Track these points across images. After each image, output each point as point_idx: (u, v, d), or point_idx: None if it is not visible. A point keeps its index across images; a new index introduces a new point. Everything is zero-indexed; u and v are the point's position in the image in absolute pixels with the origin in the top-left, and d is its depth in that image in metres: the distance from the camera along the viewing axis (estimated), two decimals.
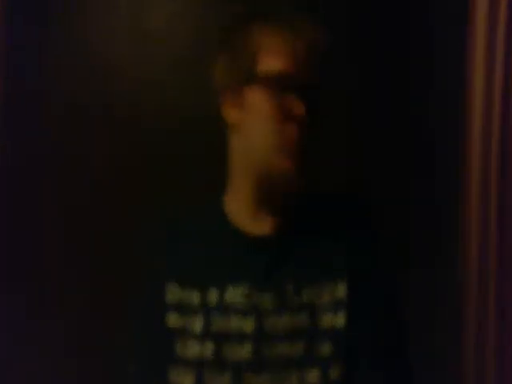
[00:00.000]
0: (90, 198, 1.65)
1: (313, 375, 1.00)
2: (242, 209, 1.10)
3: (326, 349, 1.01)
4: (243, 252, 1.07)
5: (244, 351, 1.01)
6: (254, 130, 1.06)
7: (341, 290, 1.04)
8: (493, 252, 1.43)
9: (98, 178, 1.65)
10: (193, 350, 1.02)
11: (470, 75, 1.48)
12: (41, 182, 1.65)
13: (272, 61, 1.05)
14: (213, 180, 1.14)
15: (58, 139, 1.65)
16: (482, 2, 1.45)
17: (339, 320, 1.03)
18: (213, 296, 1.04)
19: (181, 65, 1.66)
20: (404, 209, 1.64)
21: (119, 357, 1.12)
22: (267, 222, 1.08)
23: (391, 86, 1.66)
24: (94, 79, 1.65)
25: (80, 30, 1.66)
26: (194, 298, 1.05)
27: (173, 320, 1.05)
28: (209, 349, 1.02)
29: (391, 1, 1.67)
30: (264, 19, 1.10)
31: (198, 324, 1.03)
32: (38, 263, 1.64)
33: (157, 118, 1.65)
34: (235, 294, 1.04)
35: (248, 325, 1.02)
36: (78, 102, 1.65)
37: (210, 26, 1.66)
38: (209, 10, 1.67)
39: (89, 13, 1.67)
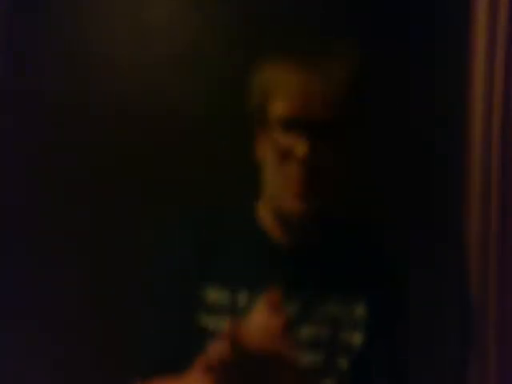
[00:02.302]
0: (92, 198, 1.65)
1: None
2: (271, 219, 1.14)
3: (342, 363, 1.05)
4: (274, 259, 1.11)
5: None
6: (267, 170, 1.11)
7: (360, 310, 1.08)
8: (493, 256, 1.43)
9: (100, 178, 1.65)
10: None
11: (471, 80, 1.48)
12: (41, 181, 1.65)
13: (281, 105, 1.06)
14: (244, 185, 1.20)
15: (58, 139, 1.65)
16: (483, 6, 1.45)
17: (355, 338, 1.07)
18: (243, 299, 1.07)
19: (181, 64, 1.66)
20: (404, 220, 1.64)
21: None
22: (295, 236, 1.12)
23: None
24: (93, 79, 1.65)
25: (80, 29, 1.66)
26: (225, 299, 1.08)
27: (205, 320, 1.07)
28: None
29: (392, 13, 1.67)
30: (278, 55, 1.10)
31: (225, 325, 1.02)
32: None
33: (157, 118, 1.65)
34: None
35: None
36: (77, 102, 1.65)
37: (210, 25, 1.66)
38: (209, 9, 1.67)
39: (89, 12, 1.66)
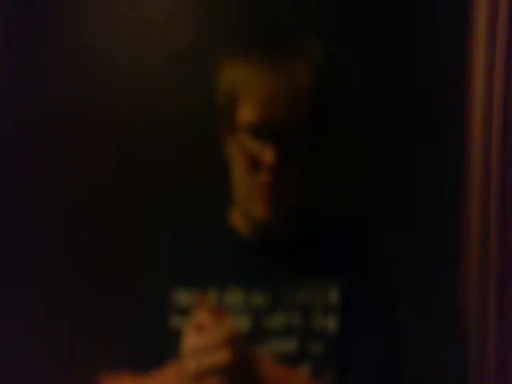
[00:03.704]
0: (90, 199, 1.65)
1: (304, 372, 1.03)
2: (240, 218, 1.15)
3: (317, 348, 1.04)
4: (241, 253, 1.12)
5: None
6: (234, 174, 1.10)
7: (333, 296, 1.08)
8: (493, 255, 1.43)
9: (100, 178, 1.65)
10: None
11: (471, 80, 1.48)
12: (42, 181, 1.65)
13: (248, 111, 1.03)
14: (215, 188, 1.23)
15: (58, 140, 1.65)
16: (483, 8, 1.44)
17: (330, 323, 1.06)
18: (211, 298, 1.05)
19: (181, 64, 1.66)
20: (403, 218, 1.64)
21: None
22: (264, 233, 1.12)
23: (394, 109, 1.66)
24: (93, 79, 1.65)
25: (79, 29, 1.66)
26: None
27: (176, 321, 1.08)
28: None
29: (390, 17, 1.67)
30: (247, 53, 1.05)
31: None
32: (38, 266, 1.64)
33: (156, 118, 1.65)
34: (233, 295, 1.07)
35: (245, 323, 1.06)
36: (77, 102, 1.65)
37: (210, 25, 1.66)
38: (209, 8, 1.67)
39: (89, 13, 1.66)
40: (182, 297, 1.09)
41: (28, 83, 1.66)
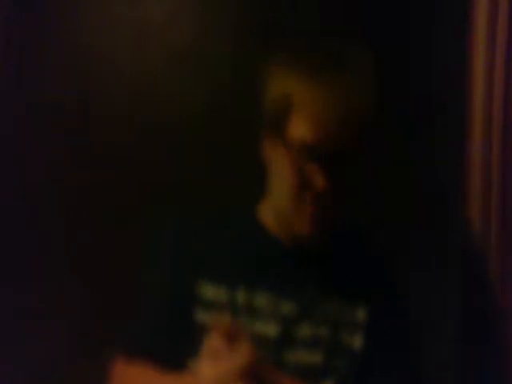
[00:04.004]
0: (90, 199, 1.65)
1: None
2: (276, 223, 1.12)
3: (342, 364, 1.04)
4: (273, 257, 1.10)
5: (266, 354, 1.02)
6: (276, 182, 1.08)
7: (361, 314, 1.08)
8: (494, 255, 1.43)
9: (100, 178, 1.65)
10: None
11: (471, 80, 1.48)
12: (42, 181, 1.65)
13: (302, 128, 1.00)
14: (246, 185, 1.20)
15: (58, 140, 1.65)
16: (483, 8, 1.44)
17: (356, 341, 1.06)
18: (241, 297, 1.06)
19: (181, 64, 1.66)
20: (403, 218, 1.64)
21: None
22: (300, 243, 1.09)
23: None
24: (93, 79, 1.65)
25: (79, 29, 1.66)
26: (223, 295, 1.06)
27: (200, 315, 1.06)
28: None
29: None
30: (306, 70, 1.01)
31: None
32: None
33: (156, 118, 1.65)
34: (262, 299, 1.06)
35: (272, 330, 1.05)
36: (77, 102, 1.65)
37: (211, 25, 1.66)
38: (209, 8, 1.67)
39: (89, 13, 1.66)
40: (207, 291, 1.07)
41: (28, 83, 1.66)
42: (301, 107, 1.00)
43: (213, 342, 0.91)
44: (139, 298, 1.16)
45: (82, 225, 1.64)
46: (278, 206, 1.08)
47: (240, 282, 1.06)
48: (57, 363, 1.60)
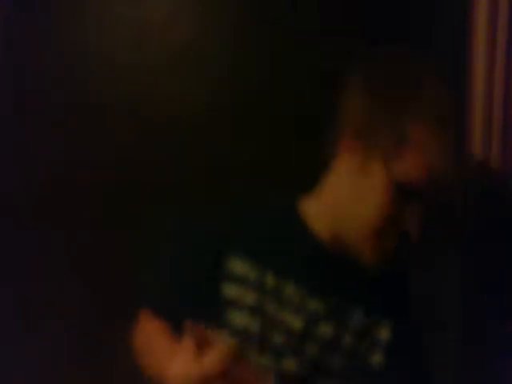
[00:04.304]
0: (90, 199, 1.65)
1: None
2: (325, 229, 1.08)
3: (357, 375, 1.04)
4: (309, 252, 1.08)
5: (287, 343, 1.03)
6: (347, 194, 1.04)
7: (384, 332, 1.07)
8: None
9: (100, 178, 1.65)
10: (241, 320, 1.04)
11: (471, 80, 1.48)
12: (41, 181, 1.65)
13: (404, 167, 0.98)
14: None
15: (58, 140, 1.65)
16: (483, 8, 1.45)
17: (376, 357, 1.06)
18: (270, 280, 1.05)
19: (181, 64, 1.66)
20: None
21: None
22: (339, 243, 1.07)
23: None
24: (93, 79, 1.65)
25: (80, 29, 1.66)
26: (252, 273, 1.05)
27: (229, 289, 1.06)
28: (255, 325, 1.04)
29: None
30: (427, 116, 0.98)
31: (250, 297, 1.05)
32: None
33: (156, 118, 1.65)
34: (290, 290, 1.05)
35: (297, 324, 1.04)
36: (77, 102, 1.65)
37: (210, 25, 1.66)
38: (209, 8, 1.67)
39: (88, 13, 1.66)
40: (237, 266, 1.06)
41: (28, 83, 1.66)
42: (416, 143, 0.98)
43: (186, 342, 0.90)
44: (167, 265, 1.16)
45: (82, 225, 1.64)
46: (339, 214, 1.06)
47: (270, 267, 1.05)
48: (57, 363, 1.60)
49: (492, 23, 1.44)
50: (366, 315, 1.05)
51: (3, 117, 1.64)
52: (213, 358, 0.86)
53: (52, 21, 1.66)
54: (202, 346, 0.87)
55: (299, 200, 1.12)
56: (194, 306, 1.06)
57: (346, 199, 1.05)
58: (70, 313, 1.61)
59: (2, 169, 1.64)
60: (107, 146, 1.64)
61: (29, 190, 1.64)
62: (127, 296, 1.58)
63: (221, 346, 0.87)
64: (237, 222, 1.10)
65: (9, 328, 1.61)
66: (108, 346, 1.57)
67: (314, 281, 1.06)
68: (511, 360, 1.38)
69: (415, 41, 1.65)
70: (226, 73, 1.64)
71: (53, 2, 1.66)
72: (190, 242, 1.13)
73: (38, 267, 1.63)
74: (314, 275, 1.06)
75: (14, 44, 1.64)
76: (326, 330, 1.04)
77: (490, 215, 1.44)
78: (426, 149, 0.96)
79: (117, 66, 1.66)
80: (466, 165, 1.48)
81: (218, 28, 1.66)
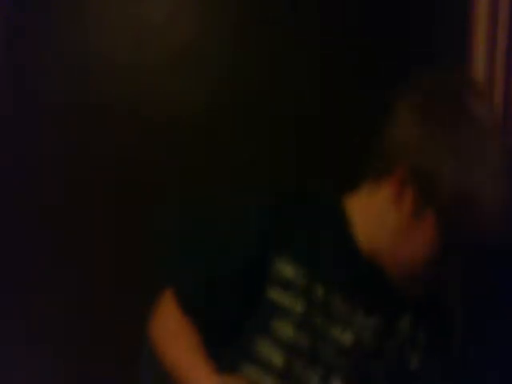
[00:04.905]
0: (90, 199, 1.65)
1: None
2: (364, 231, 1.04)
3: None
4: (356, 262, 1.03)
5: (338, 360, 0.99)
6: (397, 227, 1.00)
7: (420, 337, 1.04)
8: None
9: (100, 178, 1.65)
10: (289, 330, 0.99)
11: None
12: (42, 182, 1.65)
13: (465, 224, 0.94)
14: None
15: (57, 139, 1.65)
16: (483, 8, 1.45)
17: (413, 360, 1.03)
18: (320, 291, 1.00)
19: (181, 64, 1.66)
20: None
21: None
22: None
23: None
24: (93, 79, 1.65)
25: (80, 29, 1.66)
26: (303, 281, 1.00)
27: (275, 294, 1.00)
28: (304, 339, 0.99)
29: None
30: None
31: (299, 306, 0.99)
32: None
33: (156, 118, 1.65)
34: (339, 304, 1.01)
35: (347, 339, 1.00)
36: (77, 102, 1.65)
37: (210, 25, 1.66)
38: (209, 8, 1.67)
39: (89, 12, 1.66)
40: (284, 268, 1.00)
41: (28, 83, 1.66)
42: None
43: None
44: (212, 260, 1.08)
45: (82, 225, 1.64)
46: (380, 236, 1.02)
47: (319, 275, 1.00)
48: (57, 363, 1.60)
49: (492, 23, 1.44)
50: (407, 323, 1.03)
51: (3, 117, 1.64)
52: None
53: (52, 21, 1.66)
54: None
55: (343, 199, 1.07)
56: (231, 307, 1.00)
57: (390, 226, 1.00)
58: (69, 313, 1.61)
59: (2, 169, 1.64)
60: (107, 146, 1.64)
61: (29, 189, 1.65)
62: (130, 295, 1.59)
63: None
64: (286, 220, 1.03)
65: (8, 328, 1.61)
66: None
67: (361, 293, 1.01)
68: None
69: (415, 41, 1.66)
70: (226, 73, 1.64)
71: (53, 2, 1.66)
72: (237, 234, 1.06)
73: (37, 267, 1.63)
74: (360, 286, 1.02)
75: (14, 44, 1.64)
76: (374, 344, 1.00)
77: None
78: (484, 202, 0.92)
79: (117, 66, 1.66)
80: None
81: (218, 28, 1.66)
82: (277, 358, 0.98)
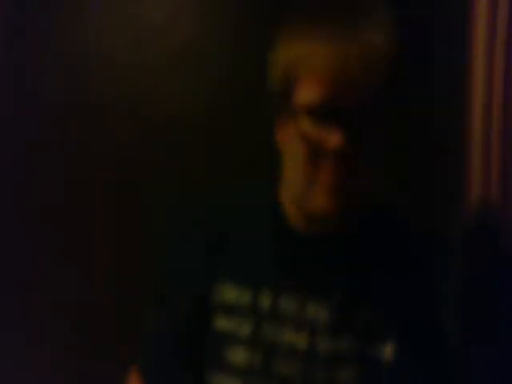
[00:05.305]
0: (90, 199, 1.65)
1: None
2: (294, 212, 0.99)
3: (374, 377, 0.93)
4: (299, 255, 0.97)
5: (294, 369, 0.93)
6: (289, 164, 0.95)
7: (392, 319, 0.95)
8: None
9: (100, 178, 1.65)
10: (240, 356, 0.94)
11: (471, 88, 1.48)
12: (42, 182, 1.65)
13: (309, 90, 0.87)
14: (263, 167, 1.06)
15: (57, 140, 1.65)
16: (483, 8, 1.44)
17: (387, 351, 0.94)
18: (266, 300, 0.95)
19: (181, 64, 1.66)
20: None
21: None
22: (323, 231, 0.96)
23: None
24: (94, 79, 1.65)
25: (79, 29, 1.66)
26: (246, 299, 0.95)
27: (221, 323, 0.96)
28: (257, 358, 0.93)
29: None
30: (307, 22, 0.89)
31: (246, 327, 0.94)
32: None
33: (156, 118, 1.65)
34: (289, 303, 0.95)
35: (301, 342, 0.94)
36: (77, 102, 1.65)
37: (212, 24, 1.66)
38: (209, 8, 1.66)
39: (89, 12, 1.66)
40: (227, 292, 0.96)
41: (28, 83, 1.66)
42: (306, 68, 0.88)
43: None
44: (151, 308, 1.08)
45: (82, 225, 1.64)
46: (295, 193, 0.95)
47: (263, 284, 0.95)
48: (57, 363, 1.60)
49: (492, 23, 1.44)
50: (372, 309, 0.93)
51: (3, 117, 1.64)
52: None
53: (52, 21, 1.66)
54: None
55: (277, 193, 1.02)
56: (183, 360, 0.97)
57: (289, 174, 0.96)
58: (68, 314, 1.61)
59: (2, 169, 1.64)
60: (107, 146, 1.64)
61: (29, 189, 1.64)
62: (130, 295, 1.59)
63: None
64: (222, 238, 0.99)
65: (8, 328, 1.61)
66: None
67: (312, 283, 0.95)
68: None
69: (415, 41, 1.65)
70: (226, 73, 1.64)
71: (53, 2, 1.66)
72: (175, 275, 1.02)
73: (37, 267, 1.63)
74: (309, 276, 0.96)
75: (14, 44, 1.64)
76: (330, 342, 0.93)
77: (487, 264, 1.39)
78: (320, 66, 0.85)
79: (117, 66, 1.66)
80: (463, 205, 1.45)
81: (218, 28, 1.66)
82: None
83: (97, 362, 1.59)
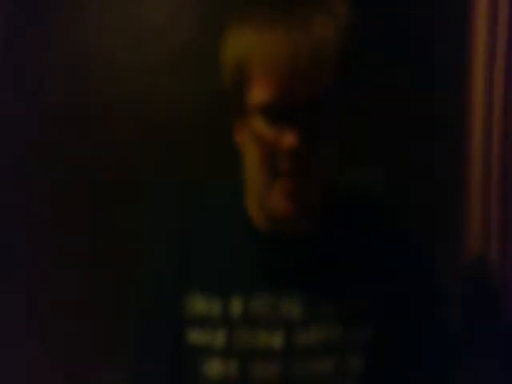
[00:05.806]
0: (90, 198, 1.65)
1: None
2: (257, 212, 0.98)
3: (356, 363, 0.92)
4: (267, 255, 0.96)
5: (272, 370, 0.92)
6: (247, 165, 0.95)
7: (369, 306, 0.93)
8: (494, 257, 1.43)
9: (100, 178, 1.65)
10: (217, 369, 0.92)
11: (471, 88, 1.48)
12: (42, 182, 1.65)
13: (261, 89, 0.86)
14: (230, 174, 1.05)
15: (57, 139, 1.65)
16: (483, 8, 1.44)
17: (368, 333, 0.93)
18: (237, 307, 0.94)
19: (181, 64, 1.66)
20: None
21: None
22: (285, 230, 0.96)
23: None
24: (94, 79, 1.65)
25: (79, 29, 1.66)
26: (216, 309, 0.94)
27: (194, 336, 0.95)
28: (234, 367, 0.92)
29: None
30: (256, 17, 0.88)
31: (220, 337, 0.93)
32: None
33: (157, 118, 1.65)
34: (261, 304, 0.94)
35: (276, 340, 0.93)
36: (77, 102, 1.64)
37: (212, 24, 1.66)
38: (209, 8, 1.66)
39: (89, 12, 1.66)
40: (196, 304, 0.95)
41: (28, 83, 1.66)
42: (256, 66, 0.87)
43: None
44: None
45: (82, 225, 1.64)
46: (254, 193, 0.96)
47: (233, 290, 0.94)
48: (56, 363, 1.60)
49: (492, 23, 1.44)
50: (346, 297, 0.93)
51: (3, 117, 1.64)
52: None
53: (52, 21, 1.66)
54: None
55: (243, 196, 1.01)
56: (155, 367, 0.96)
57: (248, 176, 0.96)
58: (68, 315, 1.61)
59: (2, 169, 1.64)
60: (107, 146, 1.64)
61: (29, 189, 1.64)
62: (130, 295, 1.59)
63: None
64: (189, 246, 0.98)
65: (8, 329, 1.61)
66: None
67: (283, 281, 0.94)
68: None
69: (415, 41, 1.65)
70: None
71: (53, 2, 1.66)
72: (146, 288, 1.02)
73: (37, 267, 1.63)
74: (279, 276, 0.95)
75: (14, 44, 1.64)
76: (312, 333, 0.92)
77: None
78: (270, 64, 0.84)
79: (117, 66, 1.66)
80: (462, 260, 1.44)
81: (218, 28, 1.66)
82: None
83: (97, 362, 1.59)
